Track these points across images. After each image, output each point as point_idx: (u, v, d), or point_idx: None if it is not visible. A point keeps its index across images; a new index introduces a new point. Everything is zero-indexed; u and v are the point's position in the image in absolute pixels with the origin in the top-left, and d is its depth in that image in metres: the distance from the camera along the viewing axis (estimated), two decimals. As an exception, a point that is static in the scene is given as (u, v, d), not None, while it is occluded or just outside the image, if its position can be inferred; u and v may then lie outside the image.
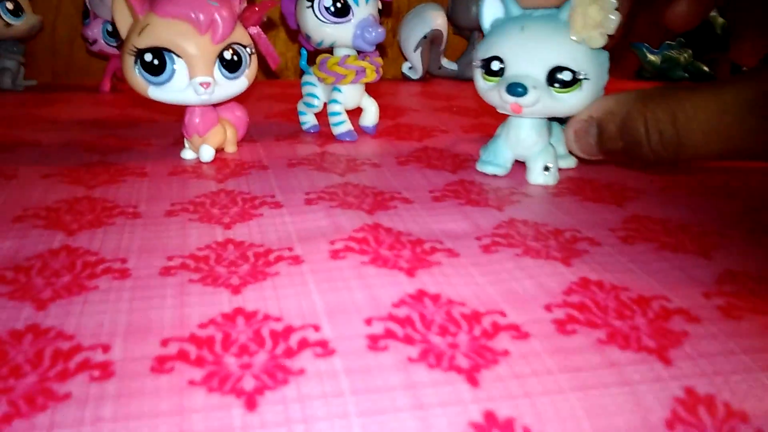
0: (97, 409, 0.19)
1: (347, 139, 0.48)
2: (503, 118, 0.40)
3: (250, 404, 0.19)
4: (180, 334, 0.23)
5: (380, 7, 0.47)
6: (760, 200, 0.39)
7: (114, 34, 0.61)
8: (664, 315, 0.25)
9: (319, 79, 0.47)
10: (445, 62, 0.75)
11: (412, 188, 0.39)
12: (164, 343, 0.22)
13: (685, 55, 0.80)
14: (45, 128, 0.51)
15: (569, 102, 0.36)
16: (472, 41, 0.76)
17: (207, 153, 0.43)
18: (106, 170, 0.41)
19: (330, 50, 0.47)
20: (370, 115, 0.49)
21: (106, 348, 0.22)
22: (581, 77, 0.35)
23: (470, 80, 0.74)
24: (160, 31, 0.38)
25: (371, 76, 0.47)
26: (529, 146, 0.40)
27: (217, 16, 0.38)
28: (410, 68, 0.74)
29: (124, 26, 0.39)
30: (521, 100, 0.36)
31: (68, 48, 0.73)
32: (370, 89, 0.50)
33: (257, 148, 0.46)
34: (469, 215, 0.35)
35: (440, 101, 0.64)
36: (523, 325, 0.24)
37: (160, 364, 0.21)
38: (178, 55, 0.38)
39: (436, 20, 0.71)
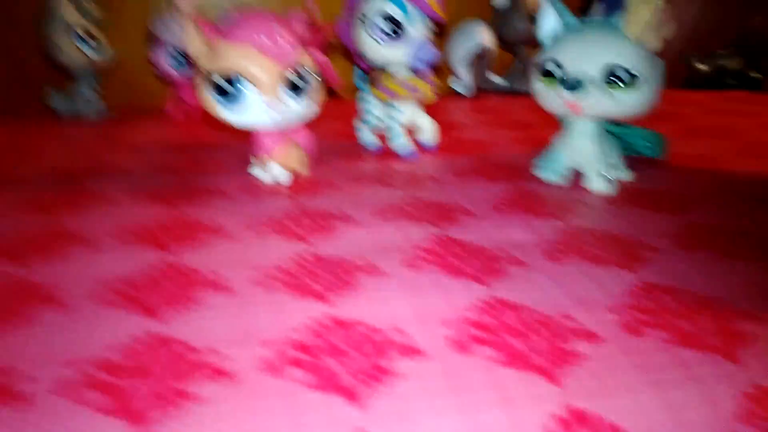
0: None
1: (407, 156, 0.50)
2: (555, 129, 0.42)
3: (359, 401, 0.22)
4: (276, 338, 0.25)
5: (434, 28, 0.49)
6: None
7: (182, 60, 0.65)
8: (725, 317, 0.26)
9: (375, 96, 0.50)
10: (492, 76, 0.77)
11: (474, 200, 0.41)
12: (263, 343, 0.25)
13: (735, 63, 0.80)
14: (127, 153, 0.54)
15: (626, 101, 0.38)
16: (517, 55, 0.77)
17: (282, 174, 0.45)
18: (189, 190, 0.44)
19: (384, 69, 0.50)
20: (428, 132, 0.51)
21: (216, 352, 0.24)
22: (636, 75, 0.37)
23: (517, 93, 0.76)
24: (230, 57, 0.41)
25: (427, 95, 0.49)
26: (586, 154, 0.41)
27: (282, 41, 0.41)
28: (458, 83, 0.76)
29: (196, 52, 0.42)
30: (578, 96, 0.38)
31: (137, 75, 0.77)
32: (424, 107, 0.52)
33: (323, 166, 0.49)
34: (531, 225, 0.37)
35: (490, 115, 0.66)
36: (592, 327, 0.26)
37: (269, 366, 0.24)
38: (248, 79, 0.41)
39: (483, 36, 0.73)
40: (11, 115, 0.69)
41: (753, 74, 0.80)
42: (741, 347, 0.25)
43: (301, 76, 0.42)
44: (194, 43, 0.41)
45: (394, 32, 0.47)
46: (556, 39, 0.40)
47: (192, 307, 0.28)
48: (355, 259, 0.32)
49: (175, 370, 0.23)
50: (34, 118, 0.68)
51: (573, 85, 0.37)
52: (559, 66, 0.39)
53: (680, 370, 0.23)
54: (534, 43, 0.77)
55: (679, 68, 0.83)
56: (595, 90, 0.37)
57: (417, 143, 0.53)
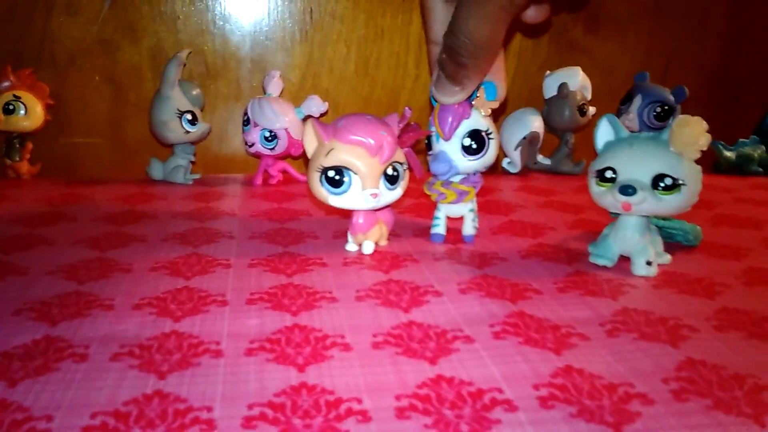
0: (377, 440, 0.29)
1: (435, 240, 0.58)
2: (604, 214, 0.51)
3: (475, 440, 0.29)
4: (406, 392, 0.33)
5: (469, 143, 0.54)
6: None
7: (270, 139, 0.74)
8: (756, 389, 0.34)
9: (429, 195, 0.57)
10: (540, 158, 0.86)
11: (540, 280, 0.48)
12: (398, 398, 0.32)
13: (759, 150, 0.88)
14: (229, 221, 0.63)
15: (671, 203, 0.46)
16: (564, 139, 0.86)
17: (369, 247, 0.54)
18: (294, 260, 0.52)
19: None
20: (467, 226, 0.58)
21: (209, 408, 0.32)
22: (680, 183, 0.45)
23: (562, 173, 0.85)
24: (341, 154, 0.49)
25: (470, 197, 0.57)
26: (634, 244, 0.49)
27: (384, 142, 0.49)
28: (509, 163, 0.85)
29: (311, 148, 0.51)
30: (631, 199, 0.46)
31: (218, 145, 0.87)
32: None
33: (403, 242, 0.57)
34: (589, 303, 0.44)
35: (541, 196, 0.74)
36: (647, 392, 0.33)
37: (400, 412, 0.31)
38: (354, 172, 0.49)
39: (534, 123, 0.82)
40: (118, 181, 0.79)
41: (776, 163, 0.88)
42: (766, 414, 0.32)
43: (395, 170, 0.51)
44: (310, 141, 0.50)
45: (428, 146, 0.56)
46: (611, 149, 0.48)
47: (329, 362, 0.36)
48: (450, 328, 0.40)
49: (328, 413, 0.31)
50: (139, 185, 0.77)
51: (626, 189, 0.45)
52: (614, 172, 0.47)
53: (719, 430, 0.31)
54: (578, 130, 0.86)
55: (708, 154, 0.91)
56: (645, 193, 0.45)
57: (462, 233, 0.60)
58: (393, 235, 0.58)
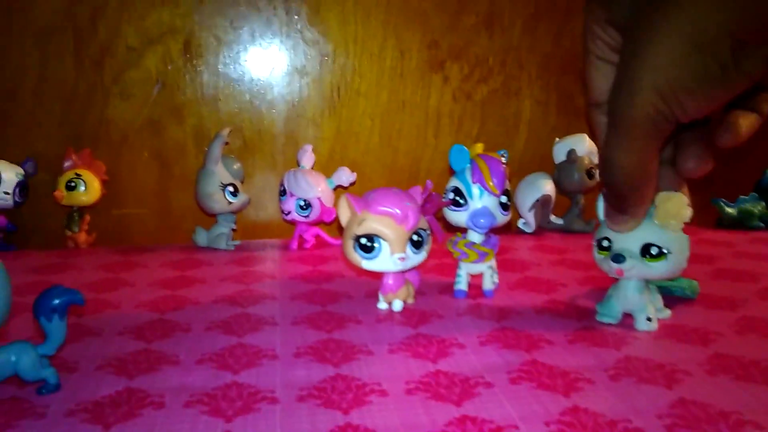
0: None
1: (458, 296, 0.64)
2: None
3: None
4: (435, 430, 0.39)
5: (505, 200, 0.62)
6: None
7: (305, 207, 0.82)
8: (739, 423, 0.39)
9: (451, 252, 0.64)
10: (553, 218, 0.92)
11: (552, 332, 0.54)
12: (432, 434, 0.38)
13: (759, 207, 0.94)
14: (270, 284, 0.70)
15: (659, 269, 0.52)
16: (574, 200, 0.93)
17: (398, 305, 0.60)
18: (332, 318, 0.59)
19: (460, 232, 0.64)
20: (487, 282, 0.65)
21: (401, 436, 0.38)
22: (665, 251, 0.51)
23: (575, 232, 0.91)
24: (372, 224, 0.56)
25: (489, 258, 0.63)
26: (635, 303, 0.55)
27: (410, 213, 0.56)
28: (524, 223, 0.92)
29: (345, 219, 0.58)
30: (622, 266, 0.52)
31: (255, 213, 0.95)
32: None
33: (428, 300, 0.64)
34: (595, 353, 0.50)
35: (554, 255, 0.81)
36: (645, 427, 0.39)
37: (437, 446, 0.37)
38: (384, 239, 0.56)
39: (546, 187, 0.89)
40: (165, 248, 0.87)
41: (778, 218, 0.94)
42: (745, 445, 0.37)
43: (420, 236, 0.58)
44: (344, 213, 0.57)
45: (458, 203, 0.62)
46: None
47: (369, 407, 0.42)
48: (473, 375, 0.46)
49: (376, 446, 0.37)
50: (186, 251, 0.85)
51: (617, 258, 0.52)
52: (609, 242, 0.53)
53: (704, 458, 0.36)
54: (587, 191, 0.93)
55: (711, 210, 0.97)
56: (634, 261, 0.51)
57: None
58: (419, 293, 0.65)
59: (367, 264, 0.57)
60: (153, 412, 0.41)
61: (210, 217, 0.87)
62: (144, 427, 0.39)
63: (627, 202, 0.48)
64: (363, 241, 0.56)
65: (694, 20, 0.32)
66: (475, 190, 0.61)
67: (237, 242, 0.87)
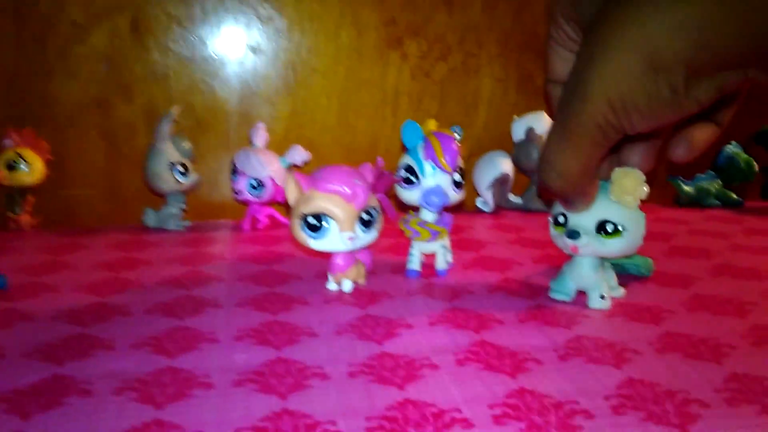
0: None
1: (410, 276, 0.63)
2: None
3: (434, 452, 0.34)
4: (375, 414, 0.37)
5: (458, 178, 0.60)
6: None
7: (256, 187, 0.79)
8: (685, 403, 0.38)
9: (403, 231, 0.62)
10: (512, 197, 0.91)
11: (503, 312, 0.53)
12: (368, 419, 0.37)
13: (715, 184, 0.94)
14: (219, 265, 0.68)
15: (613, 246, 0.51)
16: (533, 179, 0.92)
17: (348, 286, 0.59)
18: (278, 299, 0.57)
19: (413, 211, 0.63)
20: (440, 261, 0.63)
21: None
22: (620, 229, 0.50)
23: (533, 211, 0.90)
24: (319, 202, 0.54)
25: (443, 237, 0.62)
26: (588, 280, 0.54)
27: (359, 191, 0.54)
28: (483, 203, 0.90)
29: (293, 198, 0.56)
30: (577, 243, 0.51)
31: (208, 193, 0.92)
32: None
33: (380, 280, 0.62)
34: (546, 332, 0.49)
35: (511, 233, 0.80)
36: (590, 408, 0.38)
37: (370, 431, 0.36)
38: (332, 218, 0.54)
39: (504, 165, 0.88)
40: (113, 229, 0.84)
41: (734, 196, 0.94)
42: (691, 424, 0.36)
43: (370, 214, 0.56)
44: (292, 191, 0.55)
45: (409, 179, 0.60)
46: None
47: (307, 391, 0.40)
48: (419, 357, 0.45)
49: (311, 432, 0.35)
50: (132, 233, 0.82)
51: (572, 234, 0.50)
52: (565, 218, 0.52)
53: (648, 438, 0.35)
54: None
55: (669, 188, 0.96)
56: (589, 238, 0.50)
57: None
58: (371, 273, 0.63)
59: (315, 243, 0.55)
60: (78, 400, 0.39)
61: (160, 198, 0.84)
62: (66, 417, 0.37)
63: (568, 201, 0.48)
64: (310, 220, 0.54)
65: (653, 42, 0.31)
66: (428, 167, 0.59)
67: (188, 223, 0.84)
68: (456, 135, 0.61)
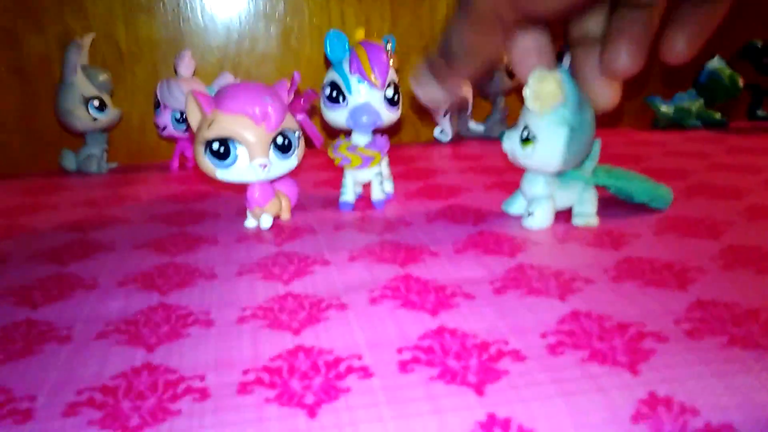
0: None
1: (343, 209, 0.55)
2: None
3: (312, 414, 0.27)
4: (255, 366, 0.30)
5: (391, 94, 0.52)
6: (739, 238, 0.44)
7: (182, 120, 0.71)
8: (636, 337, 0.31)
9: (333, 159, 0.54)
10: (473, 124, 0.83)
11: (438, 242, 0.46)
12: (245, 372, 0.30)
13: (697, 104, 0.85)
14: (131, 206, 0.60)
15: (528, 153, 0.46)
16: (495, 104, 0.83)
17: (266, 221, 0.51)
18: (185, 239, 0.49)
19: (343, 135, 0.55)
20: (376, 191, 0.56)
21: (202, 378, 0.29)
22: (530, 138, 0.45)
23: (496, 139, 0.82)
24: (224, 124, 0.46)
25: (376, 161, 0.54)
26: (534, 193, 0.48)
27: (270, 109, 0.46)
28: (441, 132, 0.82)
29: (194, 121, 0.48)
30: (504, 148, 0.48)
31: (140, 133, 0.83)
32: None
33: (307, 214, 0.54)
34: (484, 263, 0.41)
35: (468, 162, 0.72)
36: (521, 349, 0.30)
37: (243, 388, 0.28)
38: (240, 143, 0.46)
39: (462, 89, 0.79)
40: (26, 175, 0.75)
41: (716, 115, 0.86)
42: (643, 362, 0.29)
43: (286, 138, 0.48)
44: (193, 113, 0.47)
45: (334, 98, 0.52)
46: None
47: (182, 341, 0.33)
48: (327, 296, 0.37)
49: (165, 393, 0.28)
50: (47, 177, 0.74)
51: (502, 136, 0.47)
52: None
53: (589, 382, 0.28)
54: (509, 93, 0.83)
55: (646, 110, 0.88)
56: (512, 143, 0.47)
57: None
58: (299, 207, 0.55)
59: (222, 173, 0.47)
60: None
61: (80, 138, 0.76)
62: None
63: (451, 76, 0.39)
64: (215, 145, 0.46)
65: None
66: (355, 82, 0.51)
67: (113, 165, 0.76)
68: (388, 45, 0.53)
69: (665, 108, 0.86)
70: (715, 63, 0.85)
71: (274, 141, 0.47)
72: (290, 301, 0.37)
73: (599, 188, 0.50)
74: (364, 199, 0.57)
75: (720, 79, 0.84)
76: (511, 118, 0.85)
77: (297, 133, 0.49)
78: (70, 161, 0.75)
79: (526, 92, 0.44)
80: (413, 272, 0.40)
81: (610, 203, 0.52)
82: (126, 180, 0.70)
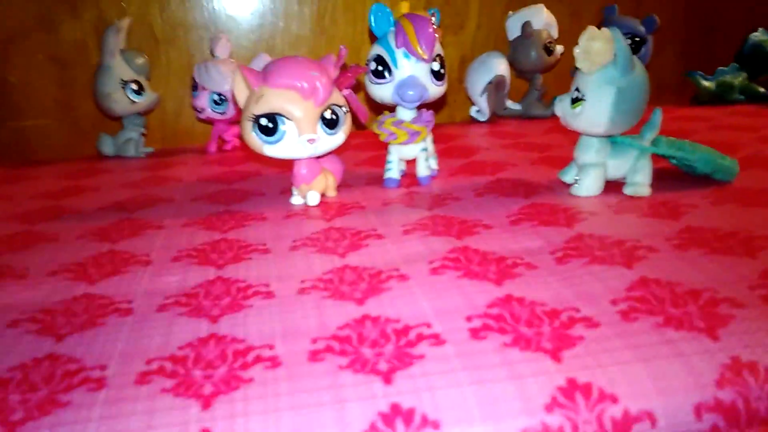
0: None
1: (388, 185, 0.54)
2: (569, 150, 0.49)
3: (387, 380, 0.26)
4: (323, 335, 0.30)
5: (438, 68, 0.51)
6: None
7: (220, 102, 0.71)
8: (712, 303, 0.30)
9: (378, 135, 0.54)
10: (510, 104, 0.82)
11: (492, 215, 0.45)
12: (314, 341, 0.29)
13: (740, 78, 0.83)
14: (173, 187, 0.60)
15: (576, 113, 0.45)
16: (532, 82, 0.82)
17: (313, 198, 0.50)
18: (233, 217, 0.49)
19: (389, 110, 0.54)
20: (421, 167, 0.55)
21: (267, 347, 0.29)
22: (579, 97, 0.45)
23: (533, 118, 0.81)
24: (272, 100, 0.46)
25: (424, 137, 0.53)
26: (586, 159, 0.48)
27: (318, 84, 0.46)
28: (477, 111, 0.81)
29: (242, 97, 0.47)
30: (556, 109, 0.47)
31: (175, 117, 0.83)
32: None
33: (353, 191, 0.54)
34: (542, 233, 0.41)
35: (508, 139, 0.71)
36: (593, 316, 0.30)
37: (314, 355, 0.28)
38: (288, 118, 0.46)
39: (499, 66, 0.78)
40: (66, 161, 0.76)
41: (760, 89, 0.84)
42: (721, 327, 0.28)
43: (334, 113, 0.47)
44: (240, 89, 0.47)
45: (379, 73, 0.51)
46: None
47: (246, 311, 0.33)
48: (386, 268, 0.37)
49: (235, 361, 0.28)
50: (87, 162, 0.74)
51: (553, 102, 0.48)
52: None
53: (668, 347, 0.27)
54: (546, 70, 0.82)
55: (686, 85, 0.87)
56: (562, 105, 0.47)
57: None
58: (345, 185, 0.55)
59: (271, 150, 0.47)
60: (-36, 335, 0.32)
61: (117, 122, 0.76)
62: None
63: None
64: (263, 121, 0.46)
65: None
66: (401, 56, 0.50)
67: (149, 149, 0.76)
68: (433, 18, 0.52)
69: (707, 82, 0.84)
70: (760, 35, 0.83)
71: (321, 116, 0.47)
72: (349, 273, 0.37)
73: (659, 159, 0.49)
74: (408, 176, 0.56)
75: (764, 51, 0.82)
76: (548, 97, 0.83)
77: (344, 108, 0.49)
78: (108, 146, 0.75)
79: (576, 50, 0.43)
80: (470, 244, 0.40)
81: (664, 174, 0.51)
82: (165, 163, 0.70)
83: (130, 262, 0.41)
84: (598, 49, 0.42)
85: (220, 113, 0.71)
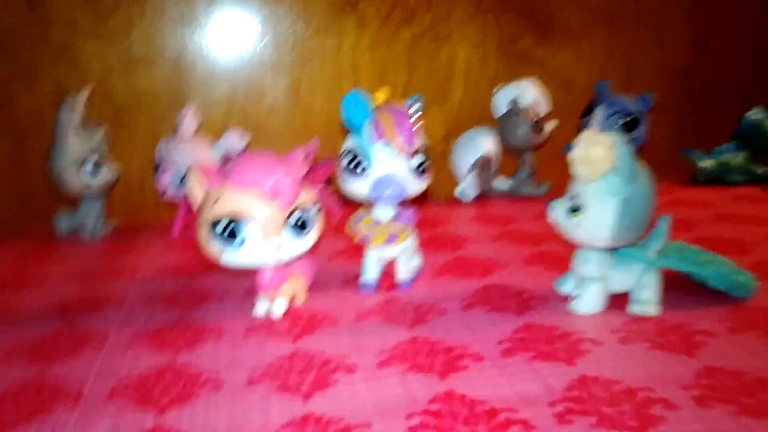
0: None
1: (364, 291, 0.49)
2: (565, 245, 0.45)
3: None
4: None
5: (419, 162, 0.46)
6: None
7: (184, 182, 0.65)
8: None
9: (351, 236, 0.48)
10: (498, 181, 0.77)
11: (481, 340, 0.39)
12: None
13: (739, 158, 0.80)
14: (127, 281, 0.54)
15: (575, 224, 0.41)
16: (522, 159, 0.78)
17: (280, 307, 0.45)
18: (188, 329, 0.43)
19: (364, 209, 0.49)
20: (401, 270, 0.50)
21: None
22: (577, 206, 0.40)
23: (525, 197, 0.76)
24: (231, 201, 0.40)
25: (404, 239, 0.48)
26: (586, 272, 0.43)
27: (285, 184, 0.40)
28: (461, 192, 0.76)
29: (197, 199, 0.42)
30: (551, 216, 0.42)
31: (140, 190, 0.77)
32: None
33: (326, 295, 0.48)
34: (539, 373, 0.35)
35: (498, 226, 0.65)
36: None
37: None
38: (250, 222, 0.40)
39: (486, 145, 0.74)
40: (18, 238, 0.69)
41: (758, 170, 0.80)
42: None
43: (302, 215, 0.42)
44: (196, 190, 0.41)
45: (355, 169, 0.46)
46: None
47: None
48: (356, 423, 0.31)
49: None
50: (40, 240, 0.68)
51: (548, 209, 0.43)
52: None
53: None
54: (536, 147, 0.78)
55: (683, 165, 0.83)
56: (559, 213, 0.42)
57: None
58: (317, 286, 0.49)
59: (231, 257, 0.41)
60: None
61: (74, 199, 0.70)
62: None
63: None
64: (221, 225, 0.40)
65: None
66: (377, 151, 0.45)
67: (113, 222, 0.71)
68: (413, 107, 0.47)
69: (705, 162, 0.80)
70: (755, 114, 0.80)
71: (288, 219, 0.41)
72: (311, 426, 0.31)
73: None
74: (387, 275, 0.51)
75: (762, 130, 0.79)
76: (538, 175, 0.79)
77: (314, 209, 0.43)
78: (64, 224, 0.69)
79: (573, 156, 0.38)
80: (456, 388, 0.34)
81: (674, 283, 0.46)
82: (123, 248, 0.64)
83: (58, 398, 0.34)
84: (598, 157, 0.38)
85: (184, 194, 0.66)
